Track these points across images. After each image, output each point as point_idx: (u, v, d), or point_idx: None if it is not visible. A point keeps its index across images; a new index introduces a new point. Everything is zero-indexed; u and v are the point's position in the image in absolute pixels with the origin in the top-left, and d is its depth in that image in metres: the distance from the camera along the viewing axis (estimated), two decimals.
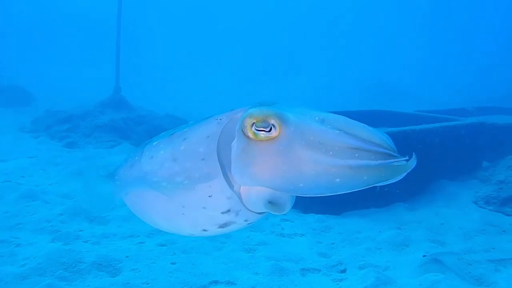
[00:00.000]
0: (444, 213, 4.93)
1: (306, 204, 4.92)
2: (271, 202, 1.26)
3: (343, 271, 3.58)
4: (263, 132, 1.18)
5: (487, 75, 22.21)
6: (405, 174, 1.11)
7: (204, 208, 1.33)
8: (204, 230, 1.41)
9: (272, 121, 1.17)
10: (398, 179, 1.12)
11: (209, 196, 1.31)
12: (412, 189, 5.28)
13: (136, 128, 8.64)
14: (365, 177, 1.12)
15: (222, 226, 1.37)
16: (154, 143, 1.44)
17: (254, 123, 1.18)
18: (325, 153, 1.14)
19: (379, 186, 1.14)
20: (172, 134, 1.41)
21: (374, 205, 5.07)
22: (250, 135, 1.20)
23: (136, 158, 1.50)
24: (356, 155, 1.13)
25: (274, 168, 1.18)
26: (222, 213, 1.33)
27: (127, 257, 3.50)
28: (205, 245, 3.86)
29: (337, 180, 1.13)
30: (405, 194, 5.18)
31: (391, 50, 28.92)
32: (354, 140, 1.15)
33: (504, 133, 6.03)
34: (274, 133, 1.18)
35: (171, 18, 33.74)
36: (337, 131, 1.16)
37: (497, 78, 21.14)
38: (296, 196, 1.26)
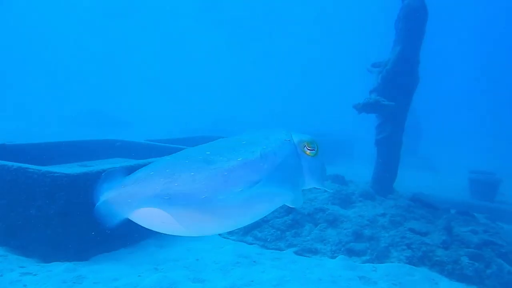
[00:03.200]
0: (195, 248, 4.99)
1: (47, 251, 4.16)
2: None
3: None
4: (312, 151, 1.89)
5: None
6: None
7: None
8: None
9: (314, 144, 1.90)
10: None
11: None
12: None
13: None
14: None
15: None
16: (239, 159, 1.64)
17: (305, 145, 1.88)
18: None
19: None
20: (256, 151, 1.71)
21: (123, 245, 4.71)
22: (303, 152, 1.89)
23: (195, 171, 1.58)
24: None
25: (322, 174, 1.98)
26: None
27: None
28: None
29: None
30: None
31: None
32: None
33: None
34: (316, 151, 1.90)
35: None
36: None
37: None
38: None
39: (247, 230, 5.44)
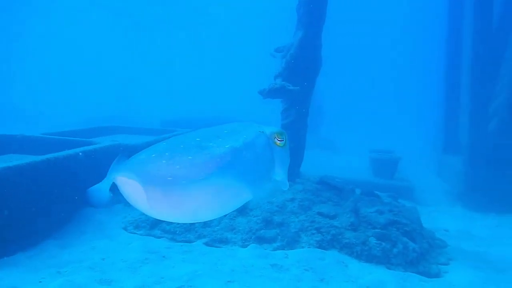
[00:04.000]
0: (101, 246, 4.80)
1: None
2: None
3: None
4: (281, 141, 2.11)
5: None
6: None
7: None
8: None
9: (283, 136, 2.13)
10: None
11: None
12: (58, 221, 4.90)
13: None
14: None
15: None
16: (227, 146, 1.88)
17: (275, 137, 2.10)
18: None
19: None
20: (239, 140, 1.95)
21: (20, 248, 4.42)
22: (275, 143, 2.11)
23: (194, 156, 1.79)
24: None
25: (287, 163, 2.17)
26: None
27: None
28: None
29: None
30: (52, 227, 4.76)
31: None
32: None
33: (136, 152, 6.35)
34: (285, 142, 2.13)
35: None
36: None
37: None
38: None
39: (155, 223, 5.31)
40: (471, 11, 9.05)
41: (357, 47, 38.15)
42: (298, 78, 6.47)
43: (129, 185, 1.78)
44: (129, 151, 5.97)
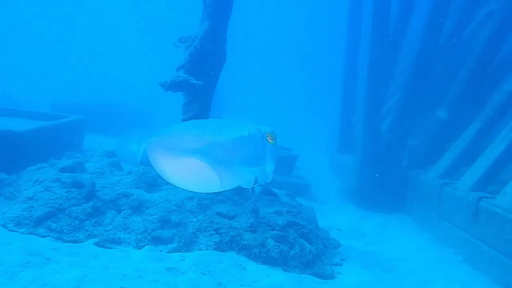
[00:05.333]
0: None
1: None
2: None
3: None
4: (272, 140, 2.56)
5: None
6: None
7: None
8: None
9: (274, 134, 2.57)
10: None
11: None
12: None
13: None
14: None
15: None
16: (236, 133, 2.29)
17: (268, 135, 2.53)
18: None
19: None
20: (245, 131, 2.36)
21: None
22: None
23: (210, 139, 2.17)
24: None
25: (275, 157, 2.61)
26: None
27: None
28: None
29: None
30: None
31: None
32: None
33: (22, 140, 5.72)
34: (275, 140, 2.59)
35: None
36: None
37: None
38: None
39: (39, 221, 4.77)
40: (370, 17, 9.28)
41: (262, 46, 38.41)
42: (202, 71, 6.19)
43: (162, 154, 2.14)
44: (12, 138, 5.34)
